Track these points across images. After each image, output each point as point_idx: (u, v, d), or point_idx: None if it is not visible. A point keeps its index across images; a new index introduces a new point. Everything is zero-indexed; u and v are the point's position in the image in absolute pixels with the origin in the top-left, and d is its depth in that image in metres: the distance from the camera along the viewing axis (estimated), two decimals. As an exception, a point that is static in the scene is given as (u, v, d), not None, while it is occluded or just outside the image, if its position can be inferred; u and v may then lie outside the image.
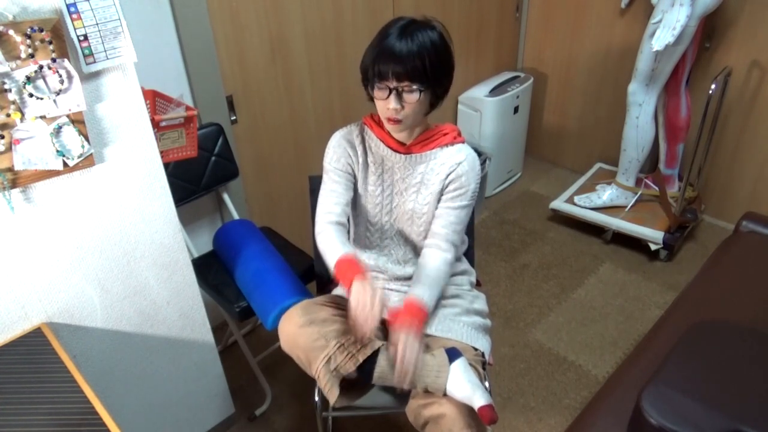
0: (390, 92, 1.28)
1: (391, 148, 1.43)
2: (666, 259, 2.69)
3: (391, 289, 1.53)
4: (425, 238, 1.47)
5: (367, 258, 1.56)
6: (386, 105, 1.30)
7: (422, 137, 1.42)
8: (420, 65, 1.26)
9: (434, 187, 1.42)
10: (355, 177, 1.48)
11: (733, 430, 1.06)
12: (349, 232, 1.55)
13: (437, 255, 1.42)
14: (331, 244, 1.39)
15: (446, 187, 1.41)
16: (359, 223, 1.55)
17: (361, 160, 1.46)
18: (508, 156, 3.25)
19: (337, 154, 1.46)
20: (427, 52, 1.26)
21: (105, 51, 1.21)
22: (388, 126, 1.36)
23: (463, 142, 1.44)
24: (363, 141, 1.46)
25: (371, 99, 1.37)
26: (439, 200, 1.42)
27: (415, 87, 1.27)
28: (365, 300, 1.24)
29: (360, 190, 1.49)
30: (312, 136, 2.40)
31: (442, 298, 1.47)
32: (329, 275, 1.43)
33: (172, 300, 1.60)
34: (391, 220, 1.50)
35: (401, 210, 1.47)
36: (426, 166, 1.42)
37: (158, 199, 1.46)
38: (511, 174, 3.38)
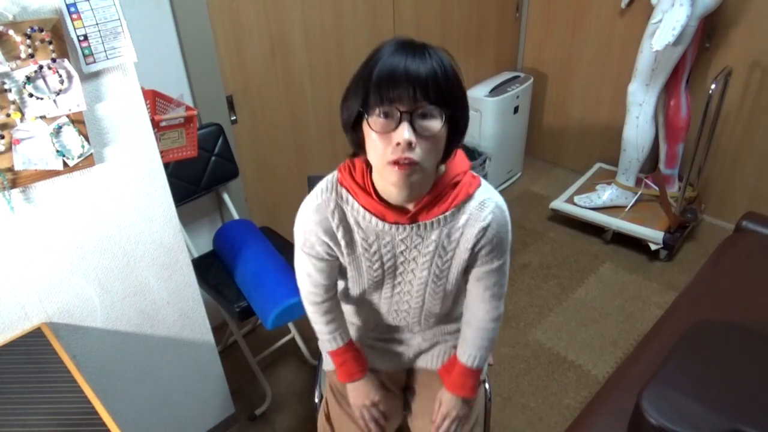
0: (401, 119, 0.92)
1: (389, 223, 1.07)
2: (666, 259, 2.69)
3: (386, 339, 1.35)
4: (442, 303, 1.21)
5: (364, 322, 1.34)
6: (394, 140, 0.92)
7: (428, 197, 1.06)
8: (442, 80, 0.93)
9: (458, 254, 1.13)
10: (338, 259, 1.16)
11: (733, 430, 1.06)
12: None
13: (483, 313, 1.21)
14: (319, 327, 1.25)
15: (476, 253, 1.12)
16: (350, 302, 1.27)
17: (344, 242, 1.11)
18: (508, 156, 3.25)
19: (309, 241, 1.12)
20: (445, 68, 0.94)
21: (105, 51, 1.21)
22: (393, 177, 0.96)
23: (479, 186, 1.11)
24: (344, 217, 1.09)
25: (357, 150, 1.02)
26: (466, 265, 1.15)
27: (435, 110, 0.93)
28: (365, 404, 1.26)
29: (349, 270, 1.17)
30: (312, 136, 2.41)
31: (447, 333, 1.33)
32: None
33: (172, 300, 1.60)
34: (394, 293, 1.20)
35: (411, 276, 1.16)
36: (440, 232, 1.09)
37: (158, 199, 1.46)
38: (511, 174, 3.38)
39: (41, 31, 1.11)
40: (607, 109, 3.13)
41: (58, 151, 1.21)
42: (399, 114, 0.92)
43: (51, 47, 1.13)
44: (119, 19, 1.20)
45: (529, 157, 3.57)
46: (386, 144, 0.94)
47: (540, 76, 3.35)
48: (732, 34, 2.56)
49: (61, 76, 1.16)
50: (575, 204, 2.88)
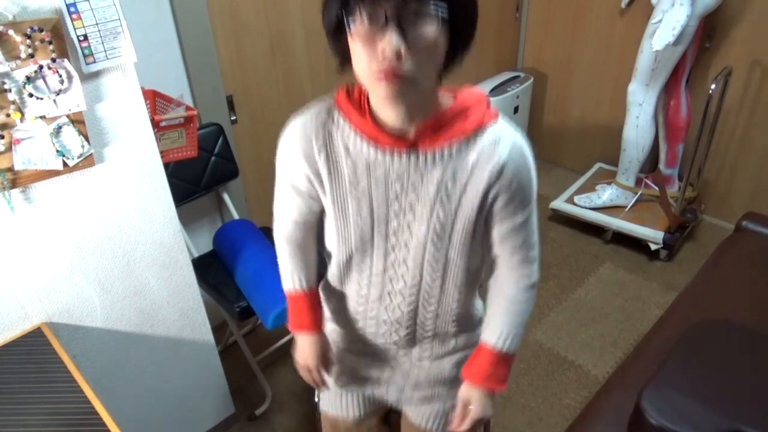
0: (386, 21, 0.74)
1: (382, 147, 0.89)
2: (666, 259, 2.69)
3: (364, 377, 1.17)
4: (443, 279, 0.99)
5: (339, 333, 1.15)
6: (380, 48, 0.75)
7: (431, 122, 0.88)
8: None
9: (465, 203, 0.92)
10: (320, 201, 0.99)
11: (733, 430, 1.06)
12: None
13: (513, 281, 1.03)
14: (282, 262, 1.12)
15: (491, 205, 0.94)
16: (336, 282, 1.08)
17: (325, 172, 0.93)
18: (508, 156, 3.25)
19: (288, 167, 0.98)
20: None
21: (105, 51, 1.21)
22: (381, 92, 0.79)
23: (495, 120, 0.92)
24: (330, 141, 0.92)
25: (343, 61, 0.84)
26: (477, 218, 0.94)
27: (431, 8, 0.75)
28: (306, 363, 1.13)
29: (333, 217, 0.98)
30: (312, 136, 2.40)
31: (443, 384, 1.15)
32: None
33: (172, 300, 1.60)
34: (387, 263, 0.99)
35: (408, 236, 0.96)
36: (444, 170, 0.90)
37: (158, 199, 1.45)
38: (511, 174, 3.37)
39: (41, 31, 1.11)
40: (607, 109, 3.13)
41: (58, 151, 1.21)
42: (384, 16, 0.74)
43: (51, 47, 1.13)
44: (119, 19, 1.20)
45: (529, 157, 3.56)
46: (371, 53, 0.77)
47: (540, 76, 3.35)
48: (732, 34, 2.56)
49: (61, 76, 1.16)
50: (575, 204, 2.88)
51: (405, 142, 0.88)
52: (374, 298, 1.04)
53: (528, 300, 1.04)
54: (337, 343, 1.17)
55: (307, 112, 0.94)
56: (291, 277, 1.11)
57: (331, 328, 1.16)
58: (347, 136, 0.91)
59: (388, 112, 0.87)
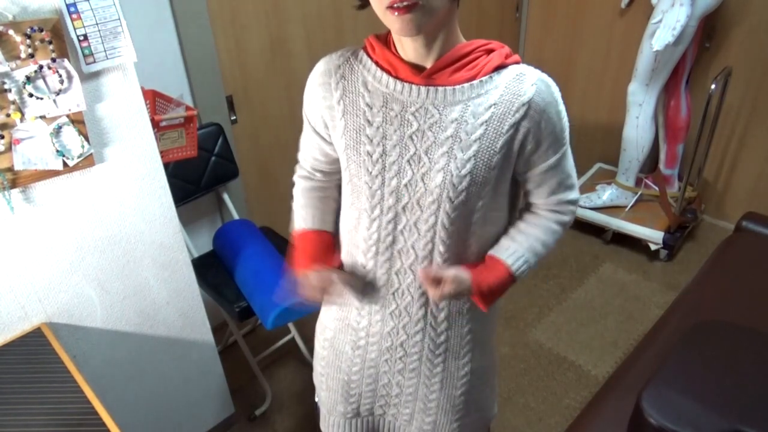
0: None
1: (401, 78, 0.87)
2: (666, 259, 2.69)
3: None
4: (456, 243, 0.92)
5: (338, 313, 1.09)
6: None
7: (451, 55, 0.85)
8: None
9: (485, 147, 0.86)
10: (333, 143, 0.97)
11: (733, 430, 1.06)
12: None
13: (544, 219, 0.99)
14: (295, 205, 1.13)
15: (520, 149, 0.88)
16: (342, 228, 1.04)
17: (341, 108, 0.91)
18: (508, 156, 3.25)
19: (308, 100, 0.97)
20: None
21: (105, 51, 1.21)
22: (394, 25, 0.78)
23: (518, 62, 0.90)
24: (349, 75, 0.91)
25: (364, 2, 0.83)
26: (502, 164, 0.88)
27: None
28: (316, 284, 1.02)
29: (343, 161, 0.95)
30: (312, 136, 2.40)
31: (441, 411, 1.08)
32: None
33: (172, 300, 1.60)
34: (398, 207, 0.91)
35: (421, 189, 0.88)
36: (464, 109, 0.85)
37: (158, 199, 1.45)
38: (511, 174, 3.37)
39: (41, 31, 1.11)
40: (607, 109, 3.13)
41: (58, 151, 1.21)
42: None
43: (51, 47, 1.13)
44: (119, 19, 1.20)
45: (529, 157, 3.56)
46: None
47: (540, 76, 3.35)
48: (732, 34, 2.56)
49: (61, 76, 1.16)
50: (575, 204, 2.88)
51: (424, 75, 0.85)
52: (382, 262, 0.96)
53: (555, 232, 0.99)
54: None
55: (339, 54, 0.93)
56: (303, 218, 1.10)
57: (339, 316, 1.09)
58: (368, 70, 0.89)
59: (408, 45, 0.85)
